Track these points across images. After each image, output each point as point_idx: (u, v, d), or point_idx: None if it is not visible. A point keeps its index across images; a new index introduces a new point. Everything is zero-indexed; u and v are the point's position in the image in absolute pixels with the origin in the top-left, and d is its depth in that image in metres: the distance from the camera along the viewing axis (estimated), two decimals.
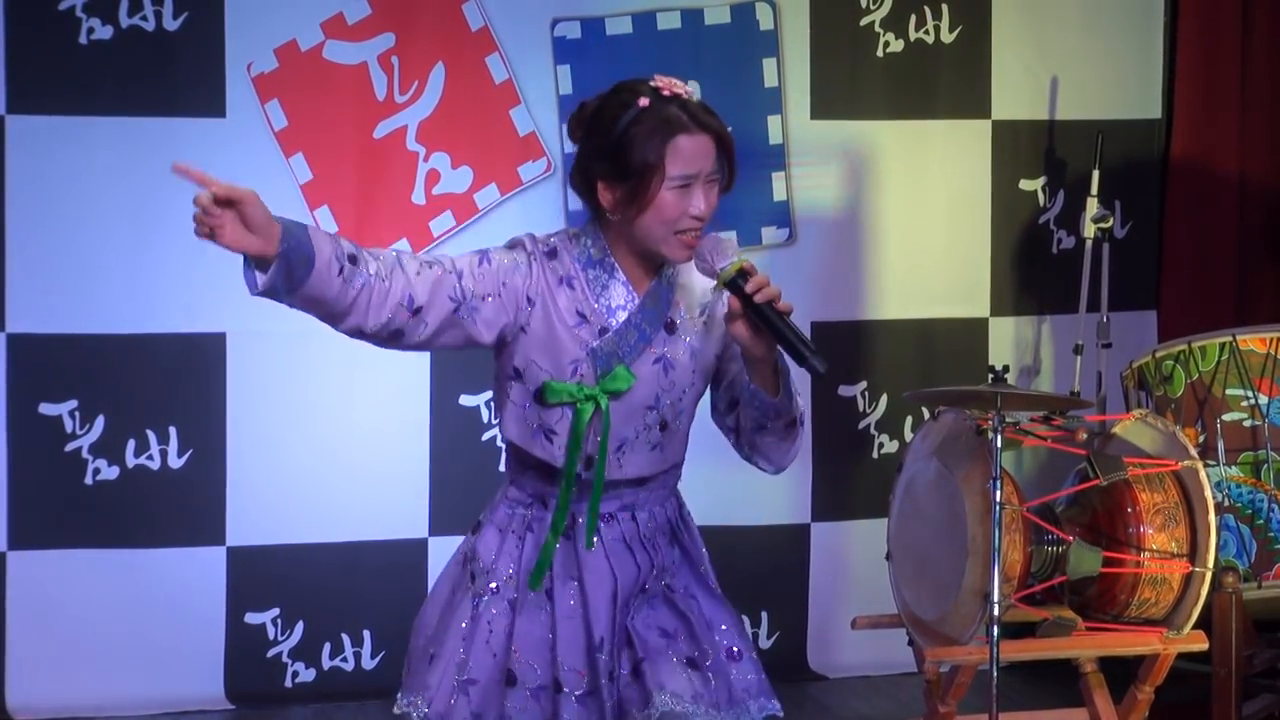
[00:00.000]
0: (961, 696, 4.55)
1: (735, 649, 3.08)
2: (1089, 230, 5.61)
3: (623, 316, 2.99)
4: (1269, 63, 6.13)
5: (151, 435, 5.45)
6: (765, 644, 5.84)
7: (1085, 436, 4.61)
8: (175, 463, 5.47)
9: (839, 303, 5.84)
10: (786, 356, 2.94)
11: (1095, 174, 5.64)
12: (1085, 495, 4.55)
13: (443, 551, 5.15)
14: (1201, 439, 4.82)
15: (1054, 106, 5.98)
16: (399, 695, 3.09)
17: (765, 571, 5.80)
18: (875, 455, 5.91)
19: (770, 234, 5.79)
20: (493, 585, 3.05)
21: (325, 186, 5.50)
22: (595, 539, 3.04)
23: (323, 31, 5.49)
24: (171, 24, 5.39)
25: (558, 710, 3.00)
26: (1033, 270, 6.03)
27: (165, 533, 5.45)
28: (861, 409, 5.92)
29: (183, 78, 5.41)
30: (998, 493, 4.14)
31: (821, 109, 5.81)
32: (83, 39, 5.34)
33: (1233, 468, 4.79)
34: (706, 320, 3.07)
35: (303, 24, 5.48)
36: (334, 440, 5.54)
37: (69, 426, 5.41)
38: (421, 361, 5.57)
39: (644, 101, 2.92)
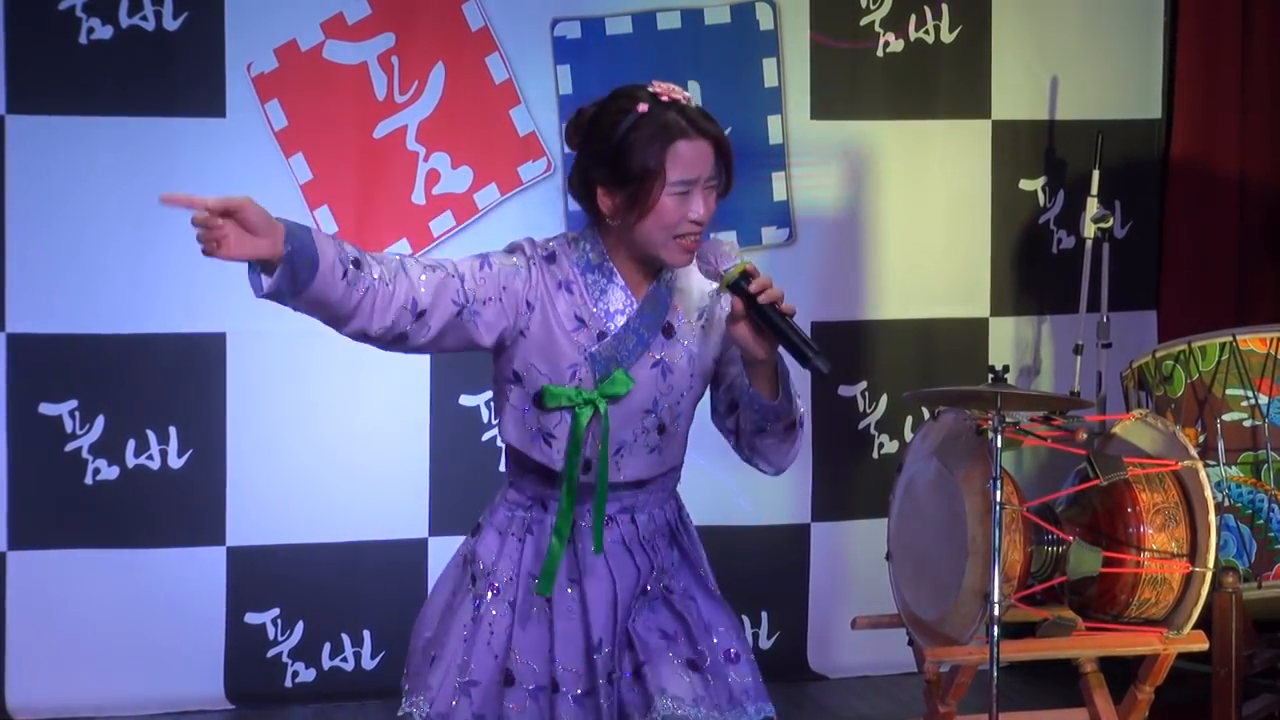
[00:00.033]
0: (961, 696, 4.56)
1: (732, 651, 3.08)
2: (1089, 230, 5.61)
3: (621, 321, 3.00)
4: (1269, 63, 6.13)
5: (151, 435, 5.45)
6: (765, 644, 5.84)
7: (1085, 436, 4.62)
8: (175, 463, 5.47)
9: (839, 303, 5.84)
10: (789, 357, 2.94)
11: (1095, 174, 5.64)
12: (1085, 495, 4.55)
13: (443, 551, 5.15)
14: (1201, 439, 4.82)
15: (1054, 106, 5.98)
16: (403, 697, 3.10)
17: (765, 571, 5.80)
18: (875, 455, 5.91)
19: (770, 234, 5.79)
20: (494, 587, 3.06)
21: (325, 186, 5.50)
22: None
23: (323, 31, 5.49)
24: (171, 24, 5.39)
25: (555, 710, 3.01)
26: (1033, 270, 6.03)
27: (165, 533, 5.45)
28: (861, 409, 5.92)
29: (183, 78, 5.41)
30: (998, 493, 4.14)
31: (821, 109, 5.81)
32: (83, 39, 5.34)
33: (1233, 468, 4.79)
34: (704, 324, 3.07)
35: (303, 24, 5.48)
36: (334, 440, 5.54)
37: (69, 426, 5.41)
38: (421, 362, 5.57)
39: (643, 107, 2.92)
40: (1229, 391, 4.85)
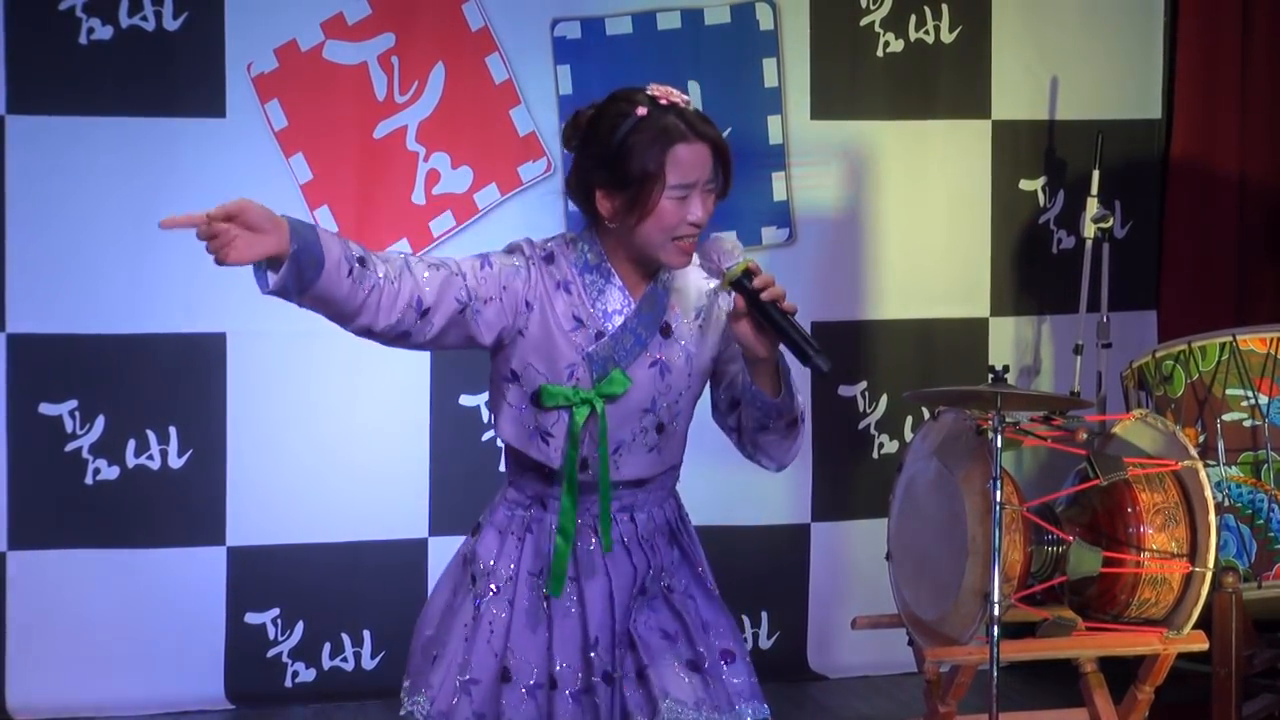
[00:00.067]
0: (961, 696, 4.56)
1: (729, 650, 3.09)
2: (1089, 230, 5.61)
3: (619, 321, 3.01)
4: (1269, 63, 6.13)
5: (151, 435, 5.45)
6: (765, 644, 5.85)
7: (1085, 436, 4.62)
8: (175, 463, 5.47)
9: (839, 303, 5.84)
10: (790, 355, 2.95)
11: (1095, 174, 5.64)
12: (1085, 495, 4.55)
13: (443, 551, 5.16)
14: (1201, 439, 4.82)
15: (1054, 106, 5.99)
16: (404, 696, 3.11)
17: (765, 571, 5.80)
18: (875, 455, 5.91)
19: (770, 234, 5.79)
20: (493, 586, 3.07)
21: (325, 186, 5.50)
22: (594, 540, 3.06)
23: (323, 31, 5.49)
24: (171, 24, 5.39)
25: (553, 707, 3.02)
26: (1033, 270, 6.03)
27: (165, 533, 5.45)
28: (861, 409, 5.92)
29: (183, 78, 5.41)
30: (998, 493, 4.14)
31: (821, 109, 5.81)
32: (83, 39, 5.34)
33: (1233, 468, 4.79)
34: (702, 323, 3.08)
35: (303, 24, 5.48)
36: (334, 440, 5.55)
37: (69, 426, 5.41)
38: (421, 362, 5.57)
39: (642, 111, 2.93)
40: (1229, 391, 4.85)
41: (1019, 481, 4.63)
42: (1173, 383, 4.95)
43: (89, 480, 5.42)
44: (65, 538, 5.40)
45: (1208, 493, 4.42)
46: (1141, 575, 4.43)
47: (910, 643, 4.66)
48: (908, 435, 5.87)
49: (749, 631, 5.82)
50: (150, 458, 5.45)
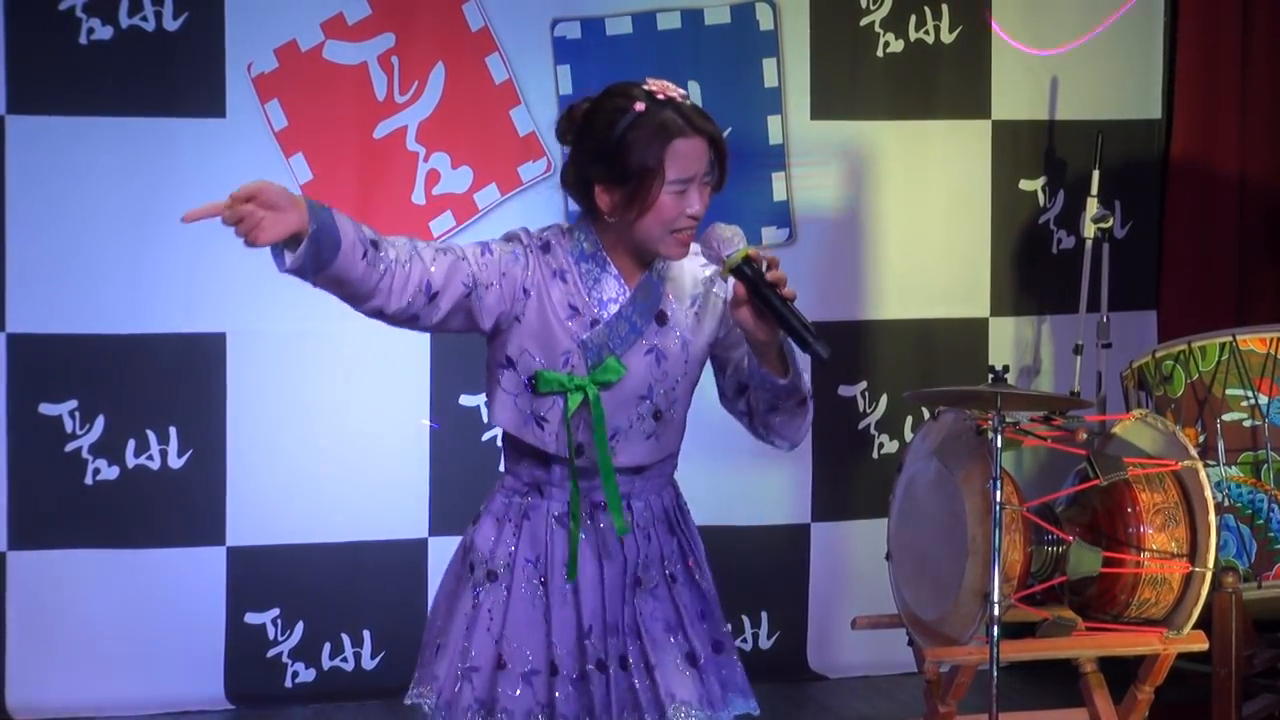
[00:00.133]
0: (961, 696, 4.56)
1: (719, 642, 3.13)
2: (1089, 230, 5.61)
3: (614, 309, 3.03)
4: (1269, 63, 6.13)
5: (151, 435, 5.45)
6: (765, 644, 5.85)
7: (1085, 436, 4.62)
8: (175, 463, 5.47)
9: (839, 303, 5.84)
10: (790, 342, 2.97)
11: (1095, 174, 5.64)
12: (1085, 495, 4.55)
13: (443, 551, 5.14)
14: (1201, 439, 4.82)
15: (1054, 106, 5.98)
16: (413, 688, 3.14)
17: (765, 571, 5.80)
18: (875, 455, 5.91)
19: (770, 234, 5.79)
20: (491, 573, 3.09)
21: (325, 186, 5.49)
22: (589, 526, 3.08)
23: (323, 31, 5.49)
24: (171, 24, 5.39)
25: (553, 694, 3.05)
26: (1033, 270, 6.03)
27: (165, 533, 5.45)
28: (861, 409, 5.92)
29: (183, 78, 5.41)
30: (998, 493, 4.14)
31: (821, 109, 5.81)
32: (83, 39, 5.34)
33: (1233, 468, 4.80)
34: (698, 311, 3.10)
35: (303, 24, 5.48)
36: (334, 440, 5.54)
37: (69, 426, 5.41)
38: (421, 361, 5.57)
39: (640, 106, 2.95)
40: (1229, 391, 4.85)
41: (1019, 481, 4.63)
42: (1173, 383, 4.95)
43: (89, 480, 5.42)
44: (65, 538, 5.39)
45: (1208, 493, 4.42)
46: (1141, 575, 4.43)
47: (910, 643, 4.66)
48: (908, 435, 5.87)
49: (749, 631, 5.82)
50: (150, 458, 5.45)
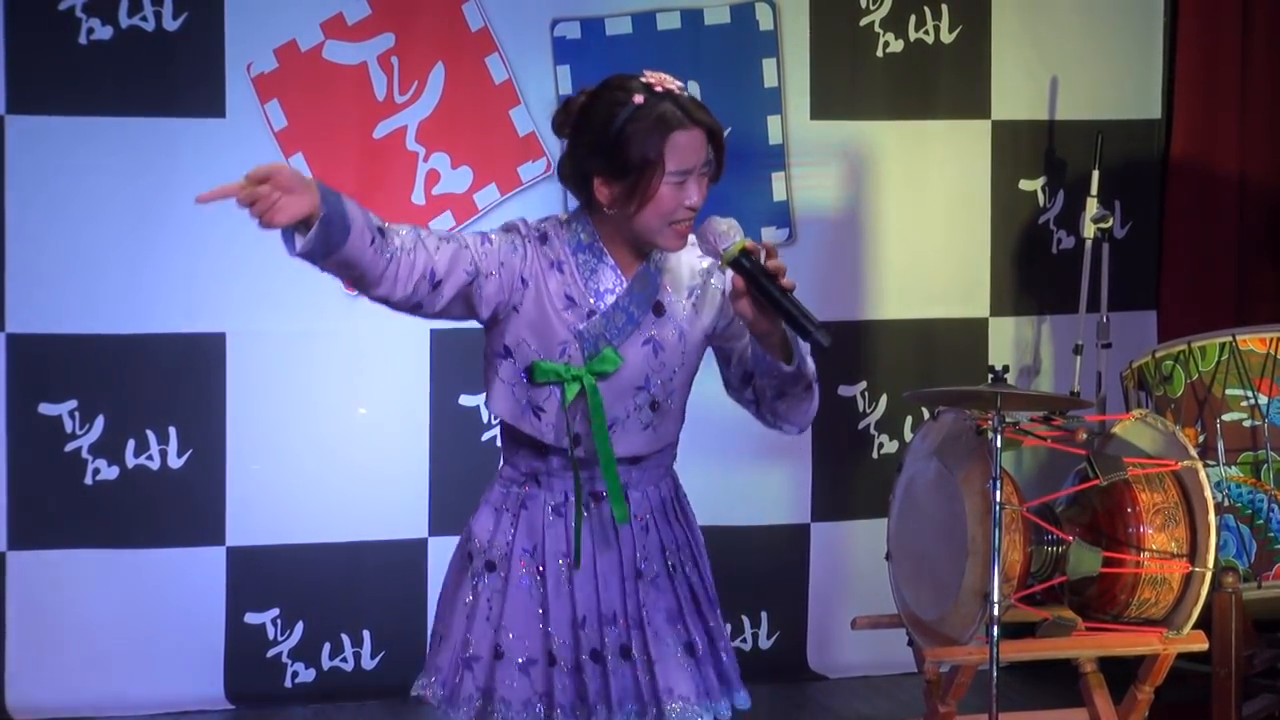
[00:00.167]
0: (961, 696, 4.56)
1: (711, 628, 3.15)
2: (1089, 230, 5.61)
3: (611, 300, 3.05)
4: (1269, 63, 6.13)
5: (151, 435, 5.45)
6: (765, 644, 5.85)
7: (1085, 436, 4.62)
8: (175, 463, 5.47)
9: (839, 303, 5.84)
10: (791, 332, 2.97)
11: (1095, 174, 5.64)
12: (1085, 495, 4.55)
13: (443, 551, 5.12)
14: (1201, 439, 4.82)
15: (1054, 106, 5.98)
16: (420, 678, 3.17)
17: (765, 571, 5.80)
18: (875, 455, 5.91)
19: (770, 234, 5.79)
20: (489, 563, 3.11)
21: None
22: (586, 517, 3.09)
23: (323, 31, 5.49)
24: (171, 24, 5.39)
25: (550, 683, 3.07)
26: (1033, 270, 6.03)
27: (165, 533, 5.45)
28: (861, 409, 5.92)
29: (183, 78, 5.41)
30: (998, 493, 4.14)
31: (821, 109, 5.81)
32: (83, 39, 5.34)
33: (1233, 468, 4.79)
34: (695, 302, 3.11)
35: (303, 24, 5.48)
36: (334, 440, 5.54)
37: (69, 426, 5.41)
38: (421, 361, 5.57)
39: (639, 98, 2.96)
40: (1229, 391, 4.85)
41: (1019, 481, 4.63)
42: (1172, 383, 4.95)
43: (89, 480, 5.42)
44: (65, 538, 5.39)
45: (1207, 493, 4.42)
46: (1141, 575, 4.43)
47: (910, 643, 4.66)
48: (908, 435, 5.87)
49: (749, 631, 5.82)
50: (150, 458, 5.45)
